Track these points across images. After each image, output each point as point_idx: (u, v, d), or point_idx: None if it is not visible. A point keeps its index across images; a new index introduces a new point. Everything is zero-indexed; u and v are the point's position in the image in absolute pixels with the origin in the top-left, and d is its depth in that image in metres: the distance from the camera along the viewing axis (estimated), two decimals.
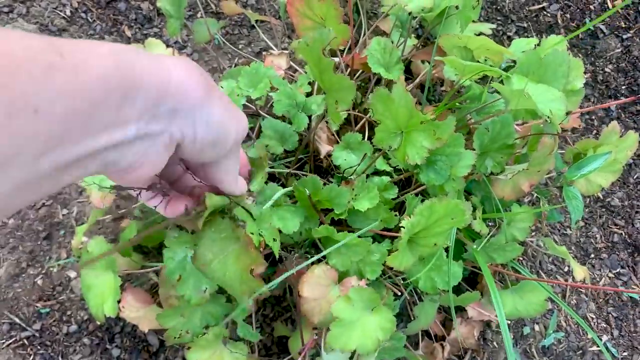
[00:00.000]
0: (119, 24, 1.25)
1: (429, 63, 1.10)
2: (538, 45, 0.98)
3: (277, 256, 0.57)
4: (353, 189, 0.81)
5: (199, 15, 1.27)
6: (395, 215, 0.84)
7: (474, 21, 1.01)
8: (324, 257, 0.82)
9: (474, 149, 0.84)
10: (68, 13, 1.23)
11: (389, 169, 0.92)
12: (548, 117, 0.72)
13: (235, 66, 1.23)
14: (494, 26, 1.12)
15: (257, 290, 0.52)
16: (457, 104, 0.89)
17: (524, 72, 0.80)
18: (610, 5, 1.37)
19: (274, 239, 0.56)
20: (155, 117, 0.33)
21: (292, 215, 0.74)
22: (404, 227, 0.66)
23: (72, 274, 1.05)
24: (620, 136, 0.97)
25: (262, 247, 0.54)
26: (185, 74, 0.35)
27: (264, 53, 1.10)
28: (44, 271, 1.04)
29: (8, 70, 0.25)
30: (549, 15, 1.35)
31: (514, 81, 0.74)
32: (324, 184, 0.76)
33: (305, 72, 0.99)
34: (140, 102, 0.32)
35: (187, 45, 1.25)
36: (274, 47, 1.20)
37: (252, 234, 0.50)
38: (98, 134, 0.30)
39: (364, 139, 0.94)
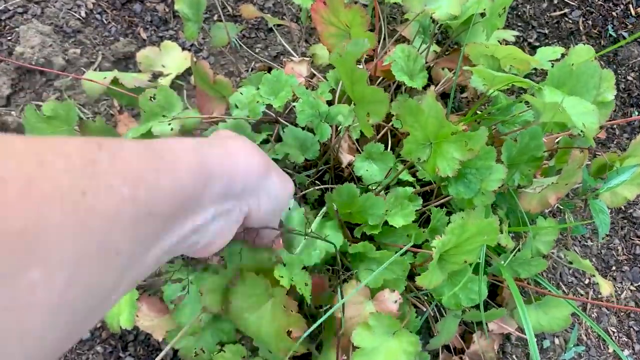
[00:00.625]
0: (134, 26, 1.23)
1: (450, 70, 1.08)
2: (565, 54, 0.96)
3: (308, 302, 0.56)
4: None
5: (214, 17, 1.25)
6: (423, 231, 0.82)
7: (497, 28, 0.99)
8: (349, 271, 0.81)
9: (500, 161, 0.82)
10: (83, 14, 1.22)
11: (411, 179, 0.90)
12: (582, 132, 0.70)
13: (252, 70, 1.21)
14: (517, 33, 1.10)
15: (292, 348, 0.52)
16: (484, 114, 0.87)
17: (555, 83, 0.78)
18: (633, 12, 1.34)
19: (305, 284, 0.55)
20: (228, 198, 0.39)
21: (335, 232, 0.73)
22: (434, 247, 0.64)
23: None
24: None
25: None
26: (248, 157, 0.41)
27: (283, 59, 1.08)
28: None
29: (133, 183, 0.28)
30: (570, 21, 1.32)
31: (546, 94, 0.71)
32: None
33: (326, 80, 0.97)
34: (217, 188, 0.37)
35: (203, 48, 1.23)
36: (291, 51, 1.18)
37: (282, 277, 0.50)
38: (186, 221, 0.34)
39: (386, 148, 0.92)
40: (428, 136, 0.70)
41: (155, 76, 1.20)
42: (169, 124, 0.75)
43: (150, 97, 0.77)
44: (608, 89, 0.85)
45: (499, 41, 1.06)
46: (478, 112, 1.01)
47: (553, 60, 0.95)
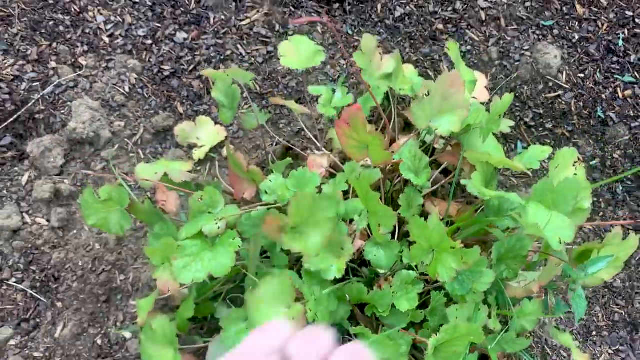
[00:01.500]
0: (172, 100, 1.38)
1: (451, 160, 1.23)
2: (552, 154, 1.10)
3: None
4: (391, 286, 0.95)
5: (243, 94, 1.40)
6: (421, 312, 0.96)
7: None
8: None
9: (490, 257, 0.96)
10: (127, 89, 1.37)
11: (414, 264, 1.04)
12: (555, 250, 0.84)
13: (276, 145, 1.36)
14: (512, 124, 1.24)
15: None
16: (478, 219, 1.01)
17: (539, 197, 0.92)
18: (620, 95, 1.48)
19: None
20: None
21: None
22: (431, 343, 0.78)
23: (128, 335, 1.18)
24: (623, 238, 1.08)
25: None
26: None
27: (308, 152, 1.22)
28: (103, 331, 1.18)
29: None
30: (563, 103, 1.47)
31: (529, 212, 0.86)
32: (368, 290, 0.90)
33: (344, 172, 1.11)
34: None
35: (233, 122, 1.38)
36: (308, 131, 1.33)
37: None
38: None
39: (393, 237, 1.06)
40: (431, 245, 0.85)
41: (191, 147, 1.35)
42: (216, 224, 0.90)
43: (199, 198, 0.92)
44: (585, 198, 0.99)
45: (494, 133, 1.21)
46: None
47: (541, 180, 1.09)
